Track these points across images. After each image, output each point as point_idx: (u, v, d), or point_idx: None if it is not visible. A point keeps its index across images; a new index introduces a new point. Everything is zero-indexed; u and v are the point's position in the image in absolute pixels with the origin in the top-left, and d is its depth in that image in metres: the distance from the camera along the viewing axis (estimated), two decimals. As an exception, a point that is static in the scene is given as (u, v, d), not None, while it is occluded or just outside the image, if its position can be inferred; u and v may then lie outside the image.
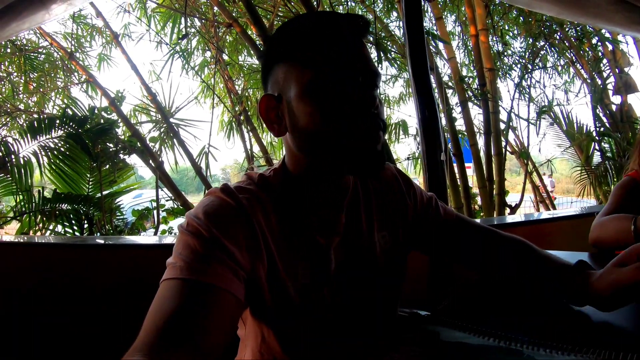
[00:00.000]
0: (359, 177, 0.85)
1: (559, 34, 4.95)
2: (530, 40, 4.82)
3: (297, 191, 0.79)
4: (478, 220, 3.06)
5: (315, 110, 0.71)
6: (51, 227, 3.65)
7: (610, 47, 4.99)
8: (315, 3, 3.04)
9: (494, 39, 4.50)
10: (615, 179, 4.64)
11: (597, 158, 5.11)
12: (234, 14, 3.62)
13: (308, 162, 0.77)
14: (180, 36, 3.59)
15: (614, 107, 5.09)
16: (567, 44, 5.20)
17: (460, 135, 3.71)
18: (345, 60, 0.72)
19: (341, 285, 0.79)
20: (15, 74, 4.84)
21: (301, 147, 0.76)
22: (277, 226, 0.75)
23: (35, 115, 4.71)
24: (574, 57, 5.40)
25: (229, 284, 0.63)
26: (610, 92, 5.05)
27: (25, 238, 2.77)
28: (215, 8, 3.81)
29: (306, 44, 0.74)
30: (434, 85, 1.98)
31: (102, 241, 2.34)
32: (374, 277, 0.83)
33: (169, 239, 2.58)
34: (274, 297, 0.73)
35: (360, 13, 4.91)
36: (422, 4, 1.85)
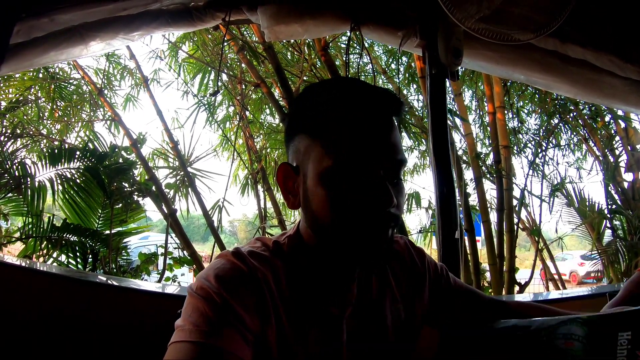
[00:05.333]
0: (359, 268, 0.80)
1: (573, 113, 5.05)
2: (545, 117, 4.91)
3: (310, 260, 0.78)
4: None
5: (327, 198, 0.70)
6: (55, 255, 3.62)
7: (622, 124, 5.08)
8: (339, 71, 3.16)
9: (510, 115, 4.60)
10: (626, 258, 4.60)
11: (607, 236, 5.09)
12: (261, 74, 3.76)
13: (317, 241, 0.77)
14: (211, 92, 3.70)
15: (625, 185, 5.11)
16: (580, 122, 5.29)
17: (472, 211, 3.73)
18: (370, 151, 0.70)
19: (352, 356, 0.77)
20: (43, 99, 4.95)
21: (310, 227, 0.77)
22: (288, 293, 0.74)
23: (57, 143, 4.80)
24: (586, 135, 5.48)
25: (238, 348, 0.64)
26: (623, 170, 5.09)
27: (28, 262, 2.74)
28: (244, 65, 3.95)
29: (331, 123, 0.72)
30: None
31: (106, 280, 2.33)
32: (385, 349, 0.82)
33: (172, 288, 2.56)
34: None
35: (381, 83, 5.08)
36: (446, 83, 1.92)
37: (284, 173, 0.78)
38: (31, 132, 4.71)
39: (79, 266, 3.59)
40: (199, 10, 1.97)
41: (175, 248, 3.86)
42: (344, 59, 2.18)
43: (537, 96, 4.87)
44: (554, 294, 2.39)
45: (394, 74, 4.63)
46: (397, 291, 0.88)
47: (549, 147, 4.87)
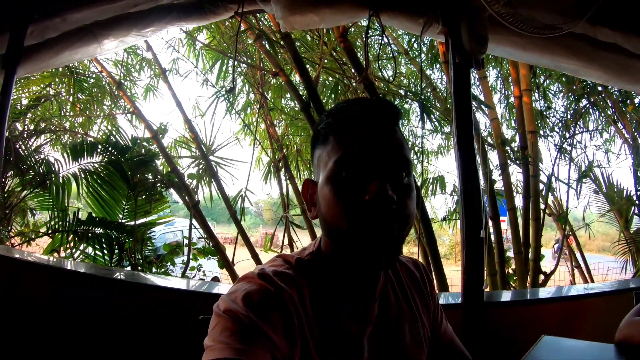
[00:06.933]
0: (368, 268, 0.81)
1: (602, 94, 4.83)
2: (572, 97, 4.71)
3: (331, 277, 0.79)
4: (509, 293, 2.97)
5: (330, 200, 0.74)
6: (81, 248, 3.70)
7: (653, 108, 4.86)
8: (361, 57, 3.06)
9: (537, 96, 4.43)
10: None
11: (636, 223, 4.95)
12: (280, 61, 3.70)
13: (333, 248, 0.79)
14: (227, 89, 3.67)
15: (656, 170, 4.92)
16: (609, 103, 5.07)
17: (497, 197, 3.63)
18: (365, 152, 0.73)
19: None
20: (63, 92, 5.00)
21: (325, 233, 0.80)
22: (312, 313, 0.75)
23: (79, 136, 4.87)
24: (615, 116, 5.25)
25: None
26: (653, 154, 4.90)
27: (53, 260, 2.80)
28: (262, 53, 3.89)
29: (335, 132, 0.77)
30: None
31: (131, 277, 2.36)
32: None
33: (194, 282, 2.58)
34: None
35: (404, 65, 4.94)
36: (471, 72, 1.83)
37: (307, 187, 0.84)
38: (53, 128, 4.77)
39: (106, 257, 3.66)
40: (211, 3, 1.93)
41: (199, 238, 3.91)
42: (364, 46, 2.11)
43: (564, 78, 4.67)
44: (578, 289, 2.33)
45: (417, 54, 4.50)
46: (415, 309, 0.90)
47: (577, 131, 4.69)
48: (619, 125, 5.28)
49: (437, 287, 2.87)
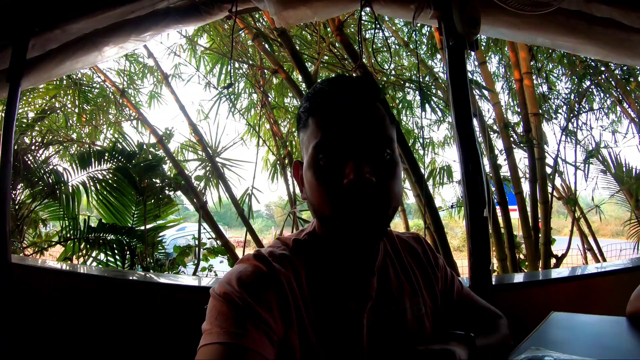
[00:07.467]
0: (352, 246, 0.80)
1: (604, 74, 4.77)
2: (576, 79, 4.66)
3: (328, 255, 0.81)
4: (520, 275, 2.94)
5: (312, 186, 0.75)
6: (94, 255, 3.75)
7: (658, 84, 4.78)
8: (357, 49, 3.07)
9: (539, 80, 4.39)
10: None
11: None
12: (280, 58, 3.70)
13: (323, 230, 0.81)
14: (225, 85, 3.69)
15: (664, 148, 4.86)
16: (613, 83, 5.01)
17: (505, 182, 3.61)
18: (341, 134, 0.73)
19: (373, 351, 0.78)
20: (69, 104, 5.06)
21: (314, 216, 0.82)
22: (309, 293, 0.76)
23: (87, 146, 4.93)
24: (620, 96, 5.18)
25: (264, 348, 0.65)
26: (660, 132, 4.85)
27: (68, 266, 2.84)
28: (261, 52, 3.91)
29: (312, 114, 0.77)
30: (477, 130, 1.94)
31: (142, 277, 2.39)
32: (405, 343, 0.82)
33: (206, 280, 2.61)
34: None
35: (404, 56, 4.93)
36: (466, 53, 1.83)
37: (297, 168, 0.85)
38: (61, 139, 4.84)
39: (118, 263, 3.71)
40: (205, 4, 1.96)
41: (209, 239, 3.94)
42: (358, 38, 2.13)
43: (565, 59, 4.62)
44: (591, 268, 2.31)
45: (416, 45, 4.48)
46: (415, 284, 0.90)
47: (582, 111, 4.63)
48: (625, 105, 5.21)
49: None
